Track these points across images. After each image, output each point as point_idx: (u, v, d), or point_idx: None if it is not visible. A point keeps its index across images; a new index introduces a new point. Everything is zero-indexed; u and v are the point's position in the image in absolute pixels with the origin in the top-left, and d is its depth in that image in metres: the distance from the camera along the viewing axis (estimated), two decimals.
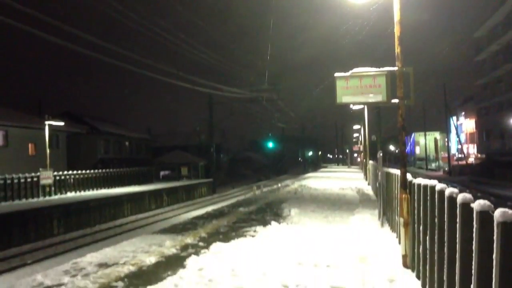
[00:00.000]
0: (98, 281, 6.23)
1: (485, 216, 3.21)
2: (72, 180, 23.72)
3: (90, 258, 7.60)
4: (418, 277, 6.08)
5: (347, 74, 7.62)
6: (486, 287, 3.12)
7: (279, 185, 28.17)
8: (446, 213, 4.29)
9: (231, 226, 11.35)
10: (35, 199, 20.42)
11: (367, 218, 11.85)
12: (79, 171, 24.65)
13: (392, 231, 9.80)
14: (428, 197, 5.19)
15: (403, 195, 7.02)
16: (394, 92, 7.33)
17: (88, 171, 25.69)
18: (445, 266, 4.30)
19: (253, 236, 9.69)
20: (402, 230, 7.01)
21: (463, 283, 3.70)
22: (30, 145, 28.58)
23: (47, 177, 20.74)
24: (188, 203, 28.52)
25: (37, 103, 34.96)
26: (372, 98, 7.55)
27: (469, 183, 31.34)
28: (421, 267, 5.81)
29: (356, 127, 50.54)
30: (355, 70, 7.62)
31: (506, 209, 2.91)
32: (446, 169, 48.81)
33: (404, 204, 6.99)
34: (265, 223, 11.23)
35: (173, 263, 7.31)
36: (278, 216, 12.79)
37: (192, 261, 7.12)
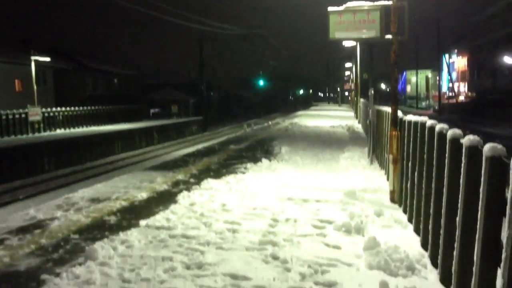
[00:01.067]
0: (91, 215, 6.31)
1: (474, 151, 3.23)
2: (61, 117, 23.52)
3: (82, 194, 7.67)
4: (405, 211, 6.22)
5: (341, 8, 7.42)
6: (471, 219, 3.19)
7: (270, 123, 28.20)
8: (435, 149, 4.32)
9: (222, 163, 11.44)
10: (25, 136, 20.30)
11: (357, 155, 11.98)
12: (68, 108, 24.42)
13: (381, 168, 9.94)
14: (418, 134, 5.21)
15: (394, 132, 7.06)
16: (388, 27, 7.18)
17: (77, 108, 25.44)
18: (432, 200, 4.38)
19: (243, 172, 9.79)
20: (391, 166, 7.11)
21: (449, 216, 3.79)
22: (16, 81, 28.10)
23: (35, 113, 20.54)
24: (179, 141, 28.54)
25: (23, 39, 34.03)
26: (366, 33, 7.40)
27: (458, 121, 31.61)
28: (408, 202, 5.93)
29: (347, 65, 50.10)
30: (349, 4, 7.42)
31: (495, 144, 2.92)
32: (436, 107, 48.98)
33: (394, 141, 7.04)
34: (255, 160, 11.32)
35: (164, 198, 7.40)
36: (268, 153, 12.89)
37: (183, 197, 7.21)
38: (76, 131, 22.83)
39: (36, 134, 20.89)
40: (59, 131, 22.12)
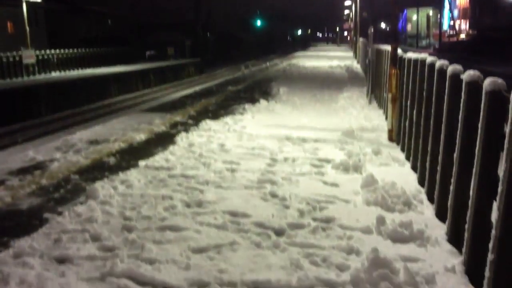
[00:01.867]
0: (90, 156, 6.34)
1: (474, 86, 3.20)
2: (55, 59, 23.13)
3: (80, 135, 7.68)
4: (402, 149, 6.26)
5: None
6: (469, 154, 3.21)
7: (268, 64, 27.87)
8: (435, 86, 4.28)
9: (220, 104, 11.40)
10: (20, 79, 20.04)
11: (356, 95, 11.92)
12: (63, 50, 23.97)
13: (380, 107, 9.92)
14: (418, 71, 5.15)
15: (393, 71, 6.98)
16: None
17: (71, 50, 24.97)
18: (430, 137, 4.39)
19: (241, 113, 9.76)
20: (389, 105, 7.08)
21: (447, 152, 3.81)
22: (8, 23, 27.47)
23: (29, 56, 20.19)
24: (176, 83, 28.27)
25: None
26: None
27: (458, 59, 31.15)
28: (406, 140, 5.95)
29: (347, 3, 48.88)
30: None
31: (496, 78, 2.88)
32: (437, 46, 48.27)
33: (393, 79, 6.98)
34: (253, 101, 11.26)
35: (163, 140, 7.42)
36: (266, 94, 12.81)
37: (181, 138, 7.22)
38: (71, 73, 22.52)
39: (31, 77, 20.62)
40: (54, 74, 21.83)
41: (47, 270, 3.12)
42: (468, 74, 3.28)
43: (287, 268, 3.25)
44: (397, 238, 3.66)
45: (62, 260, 3.30)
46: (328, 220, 4.09)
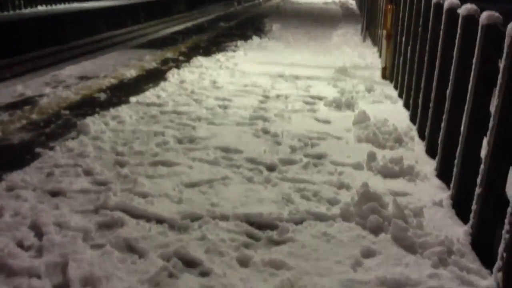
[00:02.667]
0: (80, 92, 6.26)
1: (470, 20, 3.14)
2: None
3: (70, 71, 7.54)
4: (395, 87, 6.24)
5: None
6: (462, 91, 3.20)
7: (261, 0, 27.13)
8: (430, 21, 4.20)
9: (211, 41, 11.18)
10: (5, 13, 19.45)
11: (350, 33, 11.72)
12: None
13: (374, 45, 9.79)
14: (414, 6, 5.04)
15: (388, 6, 6.83)
16: None
17: None
18: (424, 74, 4.36)
19: (234, 50, 9.60)
20: (384, 42, 6.98)
21: (439, 89, 3.79)
22: None
23: None
24: (167, 19, 27.58)
25: None
26: None
27: None
28: (399, 78, 5.92)
29: None
30: None
31: (493, 12, 2.82)
32: None
33: (388, 15, 6.84)
34: (246, 38, 11.04)
35: (154, 76, 7.32)
36: (259, 31, 12.55)
37: (173, 74, 7.12)
38: (58, 7, 21.85)
39: (17, 11, 20.01)
40: (41, 8, 21.19)
41: (41, 203, 3.15)
42: (465, 8, 3.21)
43: (279, 202, 3.31)
44: (387, 173, 3.71)
45: (55, 193, 3.32)
46: (320, 156, 4.12)
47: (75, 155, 3.97)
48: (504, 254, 2.26)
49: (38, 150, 4.12)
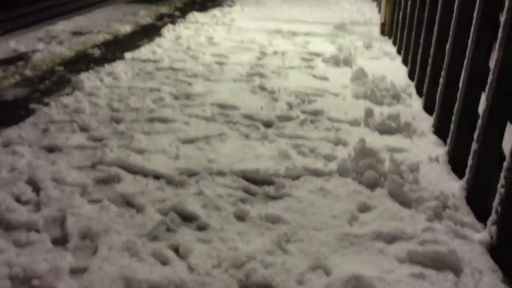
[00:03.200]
0: (74, 48, 6.15)
1: None
2: None
3: (63, 27, 7.39)
4: (394, 43, 6.16)
5: None
6: (461, 46, 3.15)
7: None
8: None
9: None
10: None
11: None
12: None
13: (373, 0, 9.60)
14: None
15: None
16: None
17: None
18: (423, 29, 4.29)
19: (230, 6, 9.41)
20: None
21: (439, 45, 3.74)
22: None
23: None
24: None
25: None
26: None
27: None
28: (398, 34, 5.83)
29: None
30: None
31: None
32: None
33: None
34: None
35: (149, 32, 7.19)
36: None
37: (168, 30, 6.99)
38: None
39: None
40: None
41: (37, 158, 3.14)
42: None
43: (275, 158, 3.31)
44: (384, 130, 3.71)
45: (51, 149, 3.31)
46: (317, 113, 4.10)
47: (70, 111, 3.94)
48: (499, 208, 2.28)
49: (32, 106, 4.08)
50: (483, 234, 2.45)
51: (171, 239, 2.46)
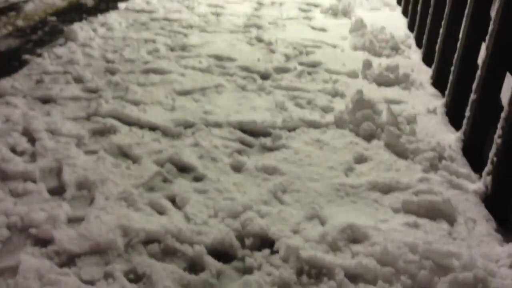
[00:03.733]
0: None
1: None
2: None
3: None
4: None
5: None
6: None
7: None
8: None
9: None
10: None
11: None
12: None
13: None
14: None
15: None
16: None
17: None
18: None
19: None
20: None
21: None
22: None
23: None
24: None
25: None
26: None
27: None
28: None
29: None
30: None
31: None
32: None
33: None
34: None
35: None
36: None
37: None
38: None
39: None
40: None
41: (32, 110, 3.11)
42: None
43: (272, 110, 3.29)
44: (382, 81, 3.67)
45: (46, 100, 3.27)
46: (314, 65, 4.05)
47: (64, 62, 3.87)
48: (495, 158, 2.28)
49: (25, 57, 4.01)
50: (478, 184, 2.46)
51: (167, 190, 2.47)
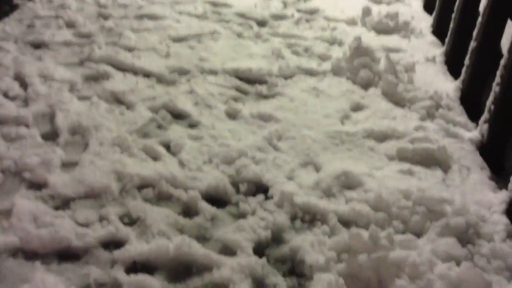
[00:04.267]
0: None
1: None
2: None
3: None
4: None
5: None
6: None
7: None
8: None
9: None
10: None
11: None
12: None
13: None
14: None
15: None
16: None
17: None
18: None
19: None
20: None
21: None
22: None
23: None
24: None
25: None
26: None
27: None
28: None
29: None
30: None
31: None
32: None
33: None
34: None
35: None
36: None
37: None
38: None
39: None
40: None
41: (23, 54, 3.03)
42: None
43: (269, 57, 3.24)
44: (381, 29, 3.60)
45: (38, 45, 3.19)
46: (312, 12, 3.96)
47: (55, 7, 3.75)
48: (492, 106, 2.27)
49: (16, 1, 3.88)
50: (474, 133, 2.45)
51: (162, 136, 2.45)
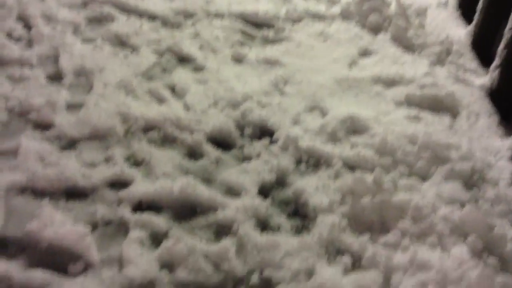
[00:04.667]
0: None
1: None
2: None
3: None
4: None
5: None
6: None
7: None
8: None
9: None
10: None
11: None
12: None
13: None
14: None
15: None
16: None
17: None
18: None
19: None
20: None
21: None
22: None
23: None
24: None
25: None
26: None
27: None
28: None
29: None
30: None
31: None
32: None
33: None
34: None
35: None
36: None
37: None
38: None
39: None
40: None
41: None
42: None
43: (276, 1, 3.15)
44: None
45: None
46: None
47: None
48: (504, 52, 2.21)
49: None
50: (484, 79, 2.41)
51: (167, 79, 2.43)
